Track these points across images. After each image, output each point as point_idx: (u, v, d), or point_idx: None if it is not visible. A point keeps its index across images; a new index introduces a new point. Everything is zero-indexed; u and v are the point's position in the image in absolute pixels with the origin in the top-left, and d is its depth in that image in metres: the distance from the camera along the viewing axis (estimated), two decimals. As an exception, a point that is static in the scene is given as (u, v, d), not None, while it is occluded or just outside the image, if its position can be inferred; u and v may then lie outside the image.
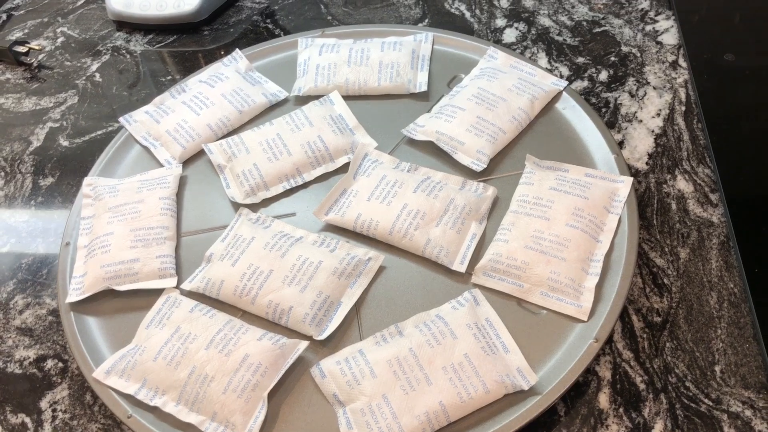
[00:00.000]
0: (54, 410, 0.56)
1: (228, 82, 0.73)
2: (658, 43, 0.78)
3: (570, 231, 0.58)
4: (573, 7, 0.83)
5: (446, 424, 0.50)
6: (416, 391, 0.50)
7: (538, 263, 0.56)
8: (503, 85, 0.69)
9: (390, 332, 0.55)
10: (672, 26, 0.79)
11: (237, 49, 0.77)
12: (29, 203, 0.71)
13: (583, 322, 0.54)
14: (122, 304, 0.60)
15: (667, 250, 0.61)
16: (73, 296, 0.59)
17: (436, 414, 0.49)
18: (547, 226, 0.58)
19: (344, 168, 0.67)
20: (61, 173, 0.73)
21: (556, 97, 0.69)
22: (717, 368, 0.54)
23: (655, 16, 0.81)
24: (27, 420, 0.56)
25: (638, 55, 0.77)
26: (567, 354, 0.53)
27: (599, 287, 0.56)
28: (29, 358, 0.60)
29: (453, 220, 0.60)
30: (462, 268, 0.58)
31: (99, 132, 0.76)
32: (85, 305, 0.59)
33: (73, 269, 0.61)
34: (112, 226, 0.62)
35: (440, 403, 0.50)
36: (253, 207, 0.65)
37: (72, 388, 0.57)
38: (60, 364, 0.59)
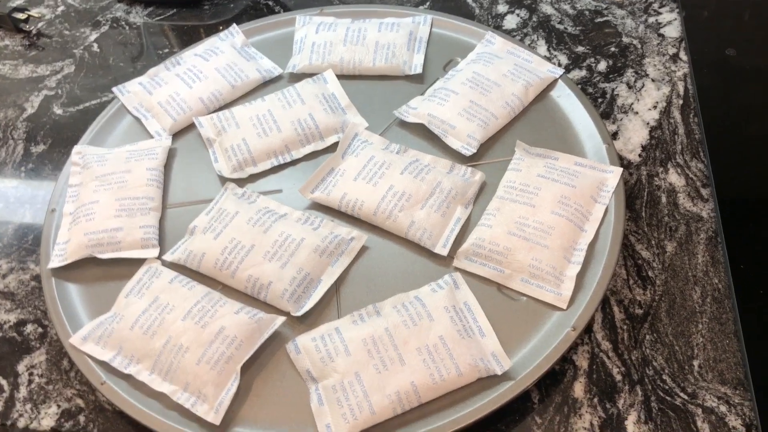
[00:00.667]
0: (30, 374, 0.56)
1: (223, 56, 0.73)
2: (659, 35, 0.77)
3: (555, 219, 0.57)
4: (576, -5, 0.82)
5: (417, 404, 0.50)
6: (389, 370, 0.50)
7: (521, 249, 0.56)
8: (498, 71, 0.68)
9: (368, 312, 0.54)
10: (675, 19, 0.78)
11: (234, 24, 0.77)
12: (19, 170, 0.71)
13: (561, 310, 0.54)
14: (103, 272, 0.60)
15: (653, 242, 0.60)
16: (55, 262, 0.59)
17: (407, 394, 0.49)
18: (532, 212, 0.58)
19: (334, 147, 0.66)
20: (53, 141, 0.73)
21: (552, 84, 0.69)
22: (695, 363, 0.53)
23: (659, 8, 0.80)
24: (3, 382, 0.56)
25: (639, 46, 0.76)
26: (543, 341, 0.52)
27: (581, 276, 0.55)
28: (9, 321, 0.60)
29: (438, 204, 0.59)
30: (444, 252, 0.57)
31: (93, 102, 0.76)
32: (66, 272, 0.59)
33: (57, 236, 0.61)
34: (98, 194, 0.62)
35: (412, 384, 0.49)
36: (240, 182, 0.64)
37: (50, 354, 0.58)
38: (39, 329, 0.59)
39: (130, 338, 0.54)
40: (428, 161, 0.63)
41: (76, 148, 0.67)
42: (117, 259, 0.59)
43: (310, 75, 0.72)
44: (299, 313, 0.55)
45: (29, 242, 0.65)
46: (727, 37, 0.75)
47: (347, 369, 0.51)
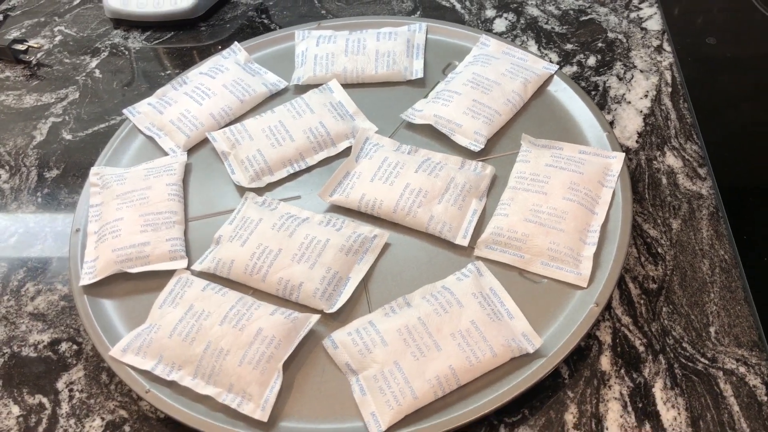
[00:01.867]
0: (71, 390, 0.57)
1: (228, 73, 0.75)
2: (642, 29, 0.81)
3: (567, 204, 0.60)
4: (560, -3, 0.86)
5: (456, 387, 0.52)
6: (426, 357, 0.52)
7: (538, 235, 0.59)
8: (497, 70, 0.71)
9: (398, 304, 0.56)
10: (655, 13, 0.82)
11: (236, 42, 0.79)
12: (35, 195, 0.72)
13: (582, 288, 0.57)
14: (134, 286, 0.61)
15: (659, 221, 0.63)
16: (85, 279, 0.61)
17: (447, 377, 0.51)
18: (545, 200, 0.60)
19: (346, 152, 0.69)
20: (66, 165, 0.74)
21: (548, 80, 0.72)
22: (711, 329, 0.56)
23: (639, 3, 0.84)
24: (44, 400, 0.57)
25: (624, 40, 0.80)
26: (569, 319, 0.55)
27: (597, 256, 0.58)
28: (43, 341, 0.61)
29: (454, 198, 0.62)
30: (465, 242, 0.60)
31: (102, 125, 0.78)
32: (97, 288, 0.61)
33: (84, 254, 0.63)
34: (121, 212, 0.64)
35: (450, 367, 0.52)
36: (258, 191, 0.66)
37: (87, 369, 0.59)
38: (74, 347, 0.60)
39: (169, 346, 0.55)
40: (439, 159, 0.65)
41: (93, 170, 0.68)
42: (147, 273, 0.61)
43: (315, 86, 0.74)
44: (332, 310, 0.57)
45: (54, 264, 0.66)
46: (706, 28, 0.80)
47: (386, 358, 0.53)
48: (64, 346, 0.60)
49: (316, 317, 0.56)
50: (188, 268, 0.61)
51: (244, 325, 0.55)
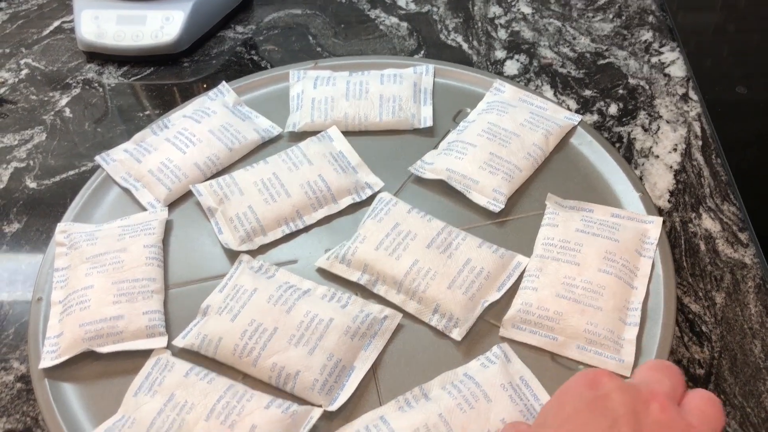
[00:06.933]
0: (26, 496, 0.49)
1: (215, 117, 0.67)
2: (665, 75, 0.75)
3: (603, 277, 0.53)
4: (574, 38, 0.80)
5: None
6: None
7: (573, 313, 0.51)
8: (515, 120, 0.65)
9: (414, 395, 0.49)
10: (678, 58, 0.77)
11: (224, 81, 0.71)
12: (-8, 252, 0.63)
13: (626, 378, 0.49)
14: (104, 368, 0.52)
15: (701, 294, 0.57)
16: (47, 360, 0.52)
17: None
18: (578, 271, 0.53)
19: (348, 210, 0.61)
20: (28, 218, 0.66)
21: (571, 132, 0.65)
22: (771, 426, 0.49)
23: (660, 47, 0.78)
24: None
25: (647, 87, 0.73)
26: (612, 415, 0.48)
27: (639, 338, 0.51)
28: (-5, 433, 0.52)
29: (467, 285, 0.54)
30: (459, 337, 0.52)
31: (71, 172, 0.69)
32: (61, 370, 0.52)
33: (47, 328, 0.54)
34: (91, 278, 0.55)
35: None
36: (249, 254, 0.58)
37: (47, 468, 0.50)
38: (32, 440, 0.51)
39: (145, 446, 0.47)
40: (456, 234, 0.57)
41: (60, 226, 0.60)
42: (119, 352, 0.52)
43: (313, 133, 0.67)
44: (333, 408, 0.49)
45: (11, 337, 0.57)
46: (734, 75, 0.74)
47: None
48: (19, 439, 0.52)
49: (319, 411, 0.48)
50: (168, 344, 0.53)
51: (235, 421, 0.47)
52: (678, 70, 0.75)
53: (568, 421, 0.37)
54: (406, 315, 0.54)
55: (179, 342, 0.53)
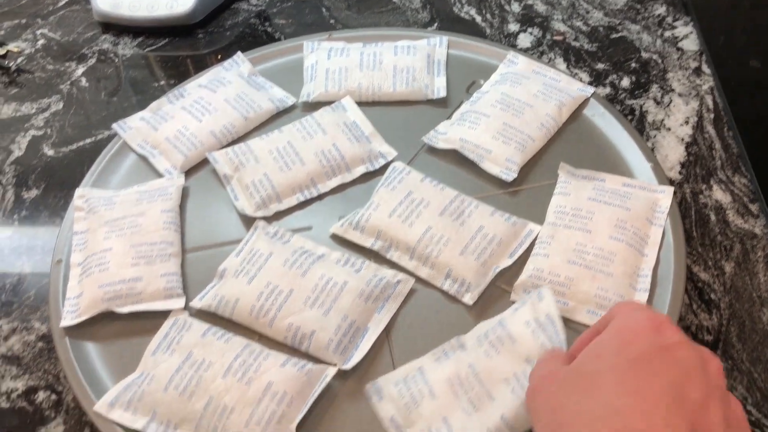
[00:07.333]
0: (48, 449, 0.50)
1: (231, 86, 0.68)
2: (678, 49, 0.75)
3: (614, 244, 0.54)
4: (587, 12, 0.80)
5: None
6: (478, 411, 0.45)
7: (584, 279, 0.52)
8: (528, 91, 0.65)
9: (451, 346, 0.49)
10: (691, 32, 0.77)
11: (239, 52, 0.72)
12: (11, 218, 0.64)
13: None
14: (123, 327, 0.54)
15: (710, 263, 0.57)
16: (67, 319, 0.53)
17: (499, 430, 0.45)
18: (590, 238, 0.54)
19: (362, 179, 0.62)
20: (46, 185, 0.67)
21: (583, 103, 0.66)
22: (778, 390, 0.50)
23: (673, 21, 0.78)
24: (17, 461, 0.49)
25: (659, 61, 0.74)
26: (621, 377, 0.48)
27: (648, 304, 0.52)
28: (17, 390, 0.53)
29: (480, 251, 0.55)
30: (470, 301, 0.53)
31: (88, 140, 0.70)
32: (81, 329, 0.53)
33: (67, 289, 0.55)
34: (109, 241, 0.57)
35: (502, 417, 0.44)
36: (265, 220, 0.59)
37: (68, 423, 0.51)
38: (53, 396, 0.53)
39: (164, 401, 0.48)
40: (468, 202, 0.58)
41: (78, 191, 0.61)
42: (138, 313, 0.54)
43: (327, 103, 0.67)
44: (347, 367, 0.50)
45: (31, 299, 0.59)
46: (748, 49, 0.74)
47: (433, 414, 0.46)
48: (41, 396, 0.53)
49: (333, 370, 0.49)
50: (186, 305, 0.54)
51: (251, 378, 0.48)
52: (691, 44, 0.75)
53: (637, 362, 0.35)
54: (419, 280, 0.55)
55: (196, 303, 0.54)
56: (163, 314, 0.53)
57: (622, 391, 0.34)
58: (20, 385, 0.53)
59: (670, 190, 0.57)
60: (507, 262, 0.55)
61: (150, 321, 0.53)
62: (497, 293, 0.54)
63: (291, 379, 0.48)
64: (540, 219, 0.57)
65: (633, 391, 0.34)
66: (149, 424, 0.48)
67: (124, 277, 0.54)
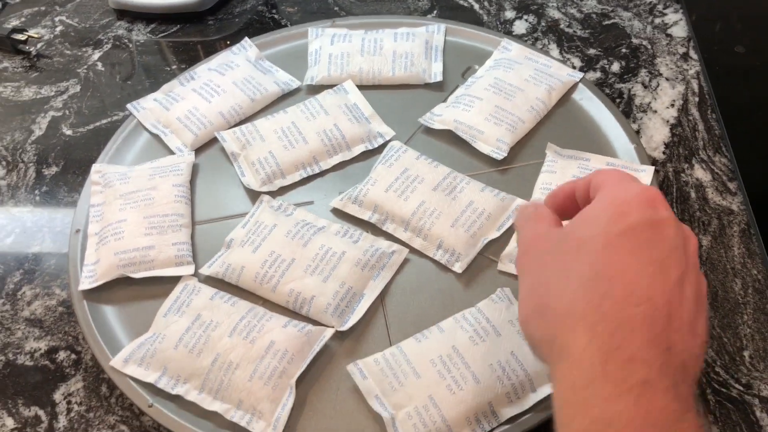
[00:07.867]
0: (69, 402, 0.54)
1: (239, 70, 0.72)
2: (668, 35, 0.78)
3: (595, 217, 0.57)
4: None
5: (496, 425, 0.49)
6: (464, 390, 0.49)
7: (566, 249, 0.56)
8: (520, 76, 0.68)
9: (429, 330, 0.53)
10: (681, 19, 0.80)
11: (246, 38, 0.76)
12: (33, 193, 0.69)
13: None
14: (137, 292, 0.58)
15: (688, 237, 0.61)
16: (85, 284, 0.57)
17: (485, 414, 0.48)
18: (573, 212, 0.58)
19: (361, 156, 0.66)
20: (65, 162, 0.71)
21: (572, 88, 0.69)
22: (746, 353, 0.54)
23: (664, 9, 0.81)
24: (41, 413, 0.54)
25: (649, 47, 0.77)
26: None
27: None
28: (40, 349, 0.57)
29: (469, 224, 0.59)
30: (460, 269, 0.57)
31: (103, 121, 0.74)
32: (98, 293, 0.57)
33: (85, 257, 0.59)
34: (124, 212, 0.61)
35: (489, 404, 0.48)
36: (270, 195, 0.63)
37: (87, 380, 0.55)
38: (73, 356, 0.57)
39: (175, 358, 0.52)
40: (461, 179, 0.62)
41: (95, 167, 0.65)
42: (150, 278, 0.58)
43: (329, 86, 0.71)
44: (344, 328, 0.54)
45: (52, 267, 0.63)
46: (734, 36, 0.77)
47: (419, 392, 0.49)
48: (62, 355, 0.57)
49: (331, 331, 0.53)
50: (195, 272, 0.58)
51: (255, 338, 0.52)
52: (680, 30, 0.78)
53: (627, 234, 0.36)
54: (413, 250, 0.59)
55: (205, 270, 0.58)
56: (174, 280, 0.58)
57: (608, 260, 0.36)
58: (43, 345, 0.58)
59: (651, 169, 0.61)
60: (495, 234, 0.59)
61: (162, 286, 0.57)
62: (485, 263, 0.58)
63: (292, 339, 0.52)
64: (528, 195, 0.61)
65: (619, 260, 0.35)
66: (160, 378, 0.52)
67: (137, 246, 0.58)
